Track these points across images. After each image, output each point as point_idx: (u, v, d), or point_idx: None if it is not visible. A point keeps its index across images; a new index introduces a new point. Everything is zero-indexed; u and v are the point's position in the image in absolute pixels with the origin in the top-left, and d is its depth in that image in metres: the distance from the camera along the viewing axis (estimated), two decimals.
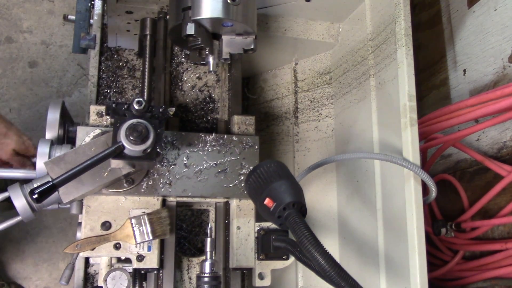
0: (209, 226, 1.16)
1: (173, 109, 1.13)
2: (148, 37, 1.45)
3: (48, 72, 2.32)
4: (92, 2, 1.57)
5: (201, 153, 1.25)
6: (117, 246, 1.16)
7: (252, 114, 1.75)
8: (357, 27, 1.53)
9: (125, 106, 1.07)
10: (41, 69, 2.33)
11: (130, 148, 1.02)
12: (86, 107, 1.54)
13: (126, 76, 1.57)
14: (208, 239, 1.14)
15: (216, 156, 1.26)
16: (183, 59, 1.55)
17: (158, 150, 1.07)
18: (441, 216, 1.72)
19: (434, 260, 1.71)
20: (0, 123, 1.28)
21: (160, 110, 1.10)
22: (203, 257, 1.17)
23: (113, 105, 1.06)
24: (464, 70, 1.67)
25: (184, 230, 1.59)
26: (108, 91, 1.56)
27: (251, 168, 1.27)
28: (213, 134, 1.27)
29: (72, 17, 1.62)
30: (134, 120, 1.04)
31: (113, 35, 1.53)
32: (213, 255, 1.15)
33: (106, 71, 1.56)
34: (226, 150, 1.27)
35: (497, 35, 1.51)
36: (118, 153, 1.03)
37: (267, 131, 1.74)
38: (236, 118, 1.35)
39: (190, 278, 1.33)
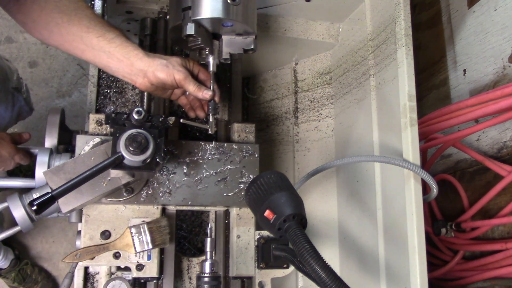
0: (209, 226, 1.16)
1: (173, 118, 1.12)
2: (148, 37, 1.45)
3: (48, 72, 2.33)
4: (92, 2, 1.57)
5: (201, 161, 1.25)
6: (116, 255, 1.16)
7: (252, 114, 1.77)
8: (357, 27, 1.53)
9: (125, 116, 1.07)
10: (41, 69, 2.33)
11: (130, 158, 1.02)
12: (86, 107, 1.54)
13: None
14: (208, 239, 1.14)
15: (216, 165, 1.26)
16: None
17: (157, 160, 1.06)
18: (441, 216, 1.72)
19: (434, 260, 1.71)
20: None
21: (160, 119, 1.09)
22: (203, 257, 1.17)
23: (113, 115, 1.06)
24: (464, 70, 1.67)
25: (184, 230, 1.59)
26: (108, 91, 1.56)
27: (251, 176, 1.27)
28: (213, 142, 1.27)
29: None
30: (133, 130, 1.04)
31: None
32: (213, 255, 1.15)
33: None
34: (226, 158, 1.27)
35: (497, 35, 1.51)
36: (118, 163, 1.02)
37: (267, 131, 1.74)
38: (236, 126, 1.34)
39: (190, 278, 1.33)
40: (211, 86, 1.19)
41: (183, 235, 1.60)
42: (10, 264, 1.90)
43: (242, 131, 1.34)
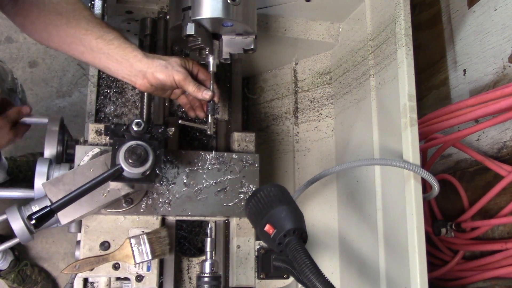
0: (209, 226, 1.16)
1: (173, 129, 1.12)
2: (148, 37, 1.45)
3: (48, 72, 2.33)
4: (92, 2, 1.57)
5: (200, 171, 1.25)
6: (116, 266, 1.15)
7: (252, 114, 1.77)
8: (357, 27, 1.53)
9: (124, 127, 1.06)
10: (41, 69, 2.33)
11: (129, 170, 1.01)
12: (86, 107, 1.54)
13: None
14: (208, 239, 1.14)
15: (216, 175, 1.26)
16: None
17: (157, 171, 1.06)
18: (441, 216, 1.72)
19: (434, 260, 1.71)
20: None
21: (160, 130, 1.09)
22: (203, 257, 1.17)
23: (112, 126, 1.06)
24: (464, 70, 1.67)
25: (184, 230, 1.59)
26: (108, 91, 1.56)
27: (251, 186, 1.27)
28: (213, 152, 1.27)
29: None
30: (133, 142, 1.03)
31: None
32: (213, 255, 1.15)
33: None
34: (226, 168, 1.27)
35: (497, 35, 1.51)
36: (117, 175, 1.02)
37: (267, 131, 1.74)
38: (236, 135, 1.34)
39: (190, 278, 1.33)
40: (211, 86, 1.18)
41: (183, 235, 1.60)
42: (9, 265, 1.90)
43: (242, 140, 1.34)
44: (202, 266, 1.12)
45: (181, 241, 1.58)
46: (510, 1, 1.46)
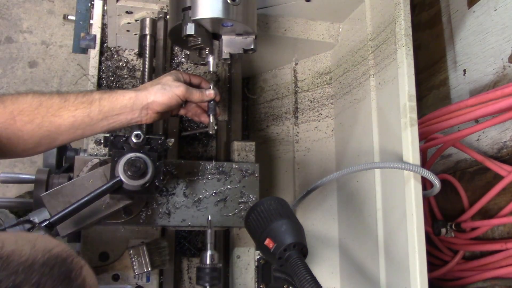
0: (209, 219, 1.15)
1: (172, 140, 1.12)
2: (148, 37, 1.45)
3: (48, 72, 2.33)
4: (92, 2, 1.57)
5: (200, 181, 1.25)
6: (115, 277, 1.16)
7: (252, 114, 1.77)
8: (357, 27, 1.53)
9: (123, 139, 1.06)
10: (41, 69, 2.33)
11: (128, 183, 1.01)
12: None
13: (126, 76, 1.57)
14: (209, 231, 1.13)
15: (216, 185, 1.25)
16: (183, 59, 1.55)
17: (157, 183, 1.06)
18: (441, 216, 1.72)
19: (434, 260, 1.71)
20: None
21: (159, 142, 1.09)
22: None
23: (111, 138, 1.05)
24: (464, 70, 1.67)
25: (184, 230, 1.58)
26: None
27: (251, 196, 1.27)
28: (213, 162, 1.27)
29: (72, 17, 1.62)
30: (132, 155, 1.03)
31: (113, 35, 1.53)
32: (214, 246, 1.14)
33: (106, 71, 1.56)
34: (225, 178, 1.26)
35: (497, 35, 1.51)
36: (117, 188, 1.02)
37: (267, 131, 1.74)
38: (236, 145, 1.34)
39: (190, 278, 1.33)
40: (211, 86, 1.19)
41: (183, 235, 1.59)
42: None
43: (242, 149, 1.34)
44: (203, 257, 1.11)
45: (181, 241, 1.58)
46: (510, 1, 1.46)
